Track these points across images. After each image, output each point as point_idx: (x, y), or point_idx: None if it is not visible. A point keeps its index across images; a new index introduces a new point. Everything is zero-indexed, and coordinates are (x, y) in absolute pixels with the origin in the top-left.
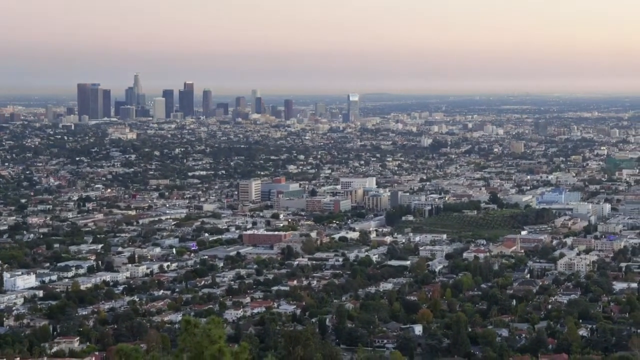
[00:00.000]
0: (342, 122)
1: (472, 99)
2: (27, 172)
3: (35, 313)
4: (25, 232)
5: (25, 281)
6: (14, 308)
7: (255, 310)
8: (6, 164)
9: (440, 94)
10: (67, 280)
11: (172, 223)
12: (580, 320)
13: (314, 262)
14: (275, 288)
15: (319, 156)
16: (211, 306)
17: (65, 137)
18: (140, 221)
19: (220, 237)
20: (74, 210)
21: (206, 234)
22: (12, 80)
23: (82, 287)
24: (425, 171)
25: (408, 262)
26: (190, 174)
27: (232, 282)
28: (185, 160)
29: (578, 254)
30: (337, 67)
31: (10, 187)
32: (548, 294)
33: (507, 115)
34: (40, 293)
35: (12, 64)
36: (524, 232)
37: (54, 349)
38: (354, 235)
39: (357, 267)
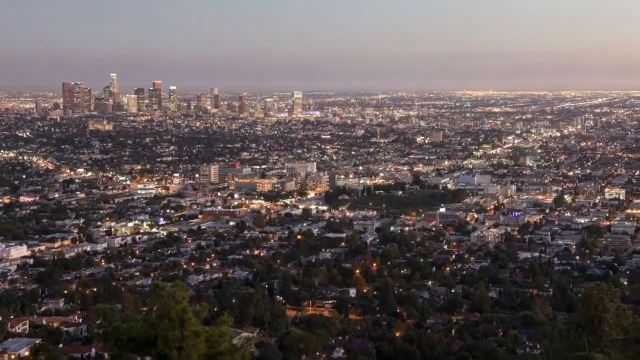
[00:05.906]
0: (287, 115)
1: (397, 95)
2: (20, 158)
3: (26, 278)
4: (17, 209)
5: (18, 251)
6: (8, 274)
7: (214, 276)
8: (1, 151)
9: (370, 91)
10: (53, 250)
11: (143, 201)
12: (490, 284)
13: (264, 234)
14: (230, 257)
15: (268, 144)
16: (176, 272)
17: (52, 129)
18: (116, 200)
19: (184, 213)
20: (59, 190)
21: (172, 211)
22: (7, 81)
23: (67, 256)
24: (358, 157)
25: (344, 235)
26: (158, 159)
27: (194, 252)
28: (154, 148)
29: (488, 228)
30: (282, 69)
31: (5, 171)
32: (463, 262)
33: (428, 110)
34: (31, 261)
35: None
36: (442, 209)
37: (43, 309)
38: (298, 211)
39: (300, 239)
